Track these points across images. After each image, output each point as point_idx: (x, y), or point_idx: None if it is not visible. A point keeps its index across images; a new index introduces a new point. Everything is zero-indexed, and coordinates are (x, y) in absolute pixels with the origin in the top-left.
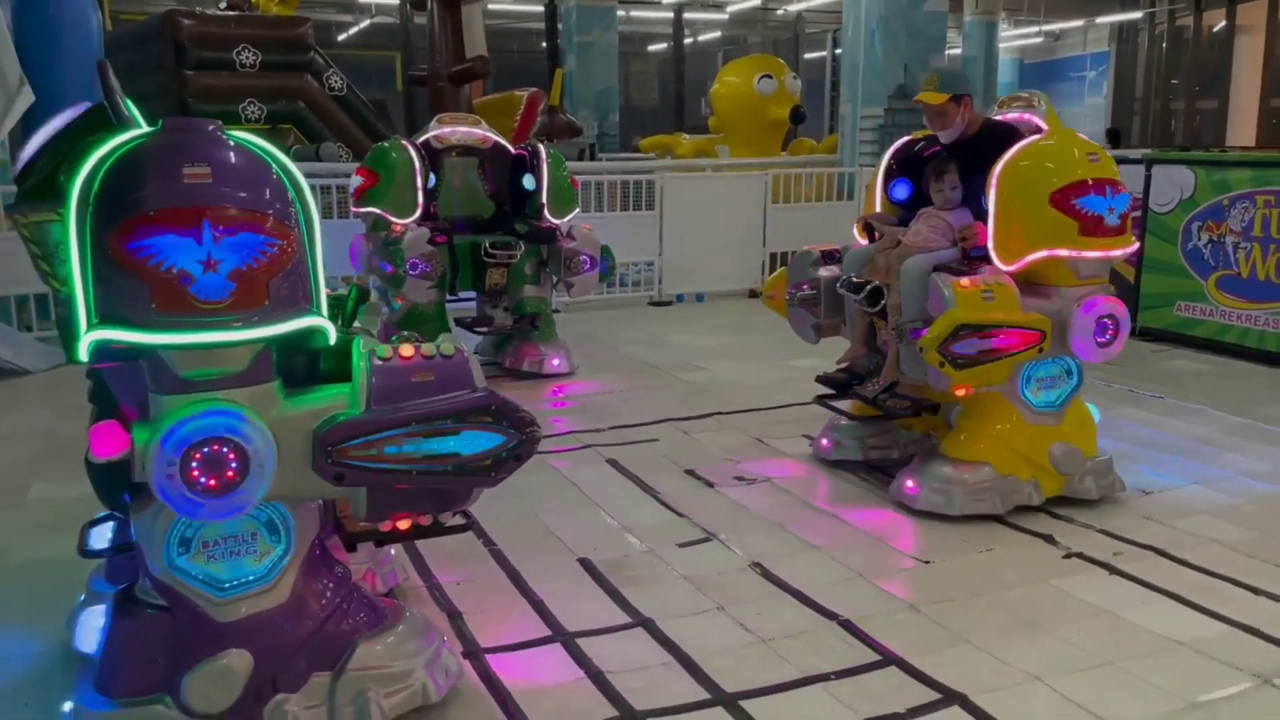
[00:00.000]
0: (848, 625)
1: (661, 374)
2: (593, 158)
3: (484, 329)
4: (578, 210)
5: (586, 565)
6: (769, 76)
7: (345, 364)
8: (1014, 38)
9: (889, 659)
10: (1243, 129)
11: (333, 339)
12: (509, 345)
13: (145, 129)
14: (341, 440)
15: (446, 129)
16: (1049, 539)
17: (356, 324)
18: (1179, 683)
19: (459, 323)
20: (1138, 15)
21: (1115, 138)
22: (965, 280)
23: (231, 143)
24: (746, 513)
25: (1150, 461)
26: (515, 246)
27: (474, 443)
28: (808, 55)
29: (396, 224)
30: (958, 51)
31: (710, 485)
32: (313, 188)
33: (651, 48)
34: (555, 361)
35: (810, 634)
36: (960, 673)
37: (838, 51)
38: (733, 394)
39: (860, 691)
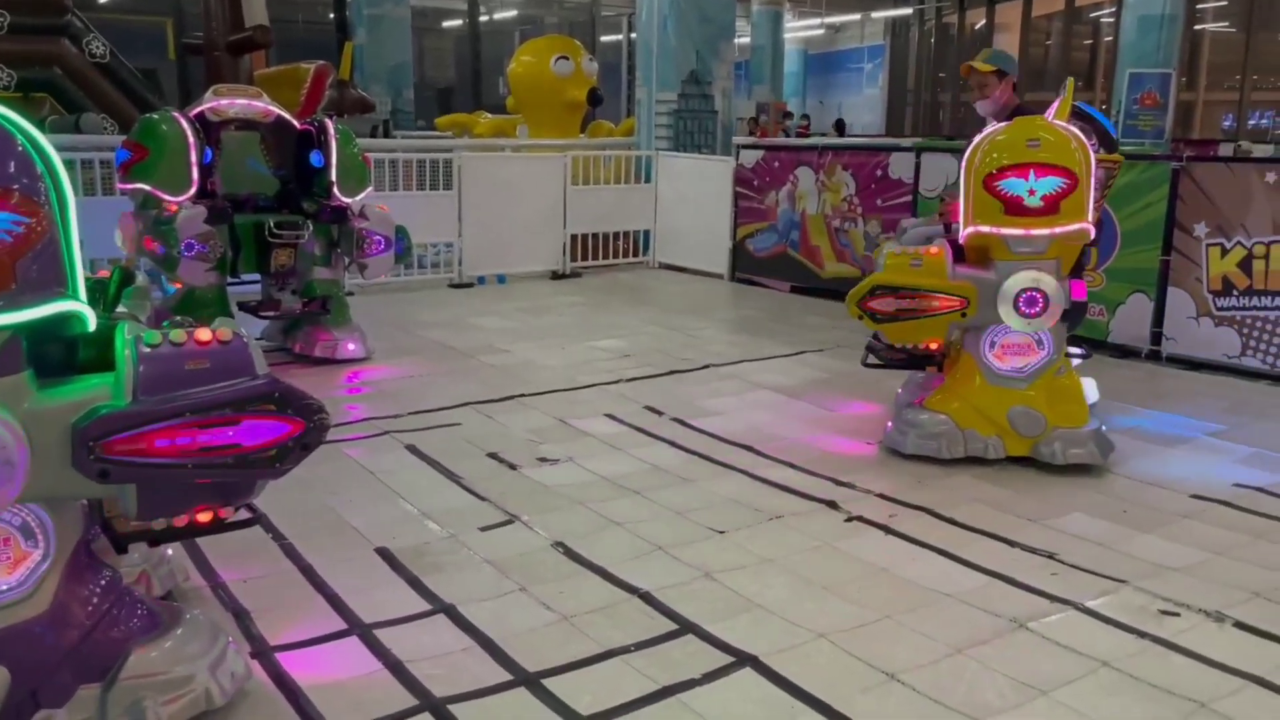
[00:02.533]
0: (647, 597)
1: (462, 357)
2: (387, 135)
3: (270, 313)
4: (370, 189)
5: (385, 554)
6: (565, 58)
7: (108, 352)
8: (799, 28)
9: (686, 627)
10: None
11: (92, 325)
12: (299, 330)
13: None
14: (104, 434)
15: (223, 101)
16: (832, 505)
17: (121, 309)
18: (947, 630)
19: (242, 307)
20: (908, 11)
21: (841, 127)
22: (899, 249)
23: None
24: (549, 493)
25: None
26: (302, 226)
27: (256, 433)
28: (604, 38)
29: (169, 201)
30: (747, 40)
31: (513, 467)
32: (71, 162)
33: (447, 24)
34: (350, 346)
35: (611, 609)
36: (752, 636)
37: (633, 35)
38: (535, 375)
39: (659, 660)
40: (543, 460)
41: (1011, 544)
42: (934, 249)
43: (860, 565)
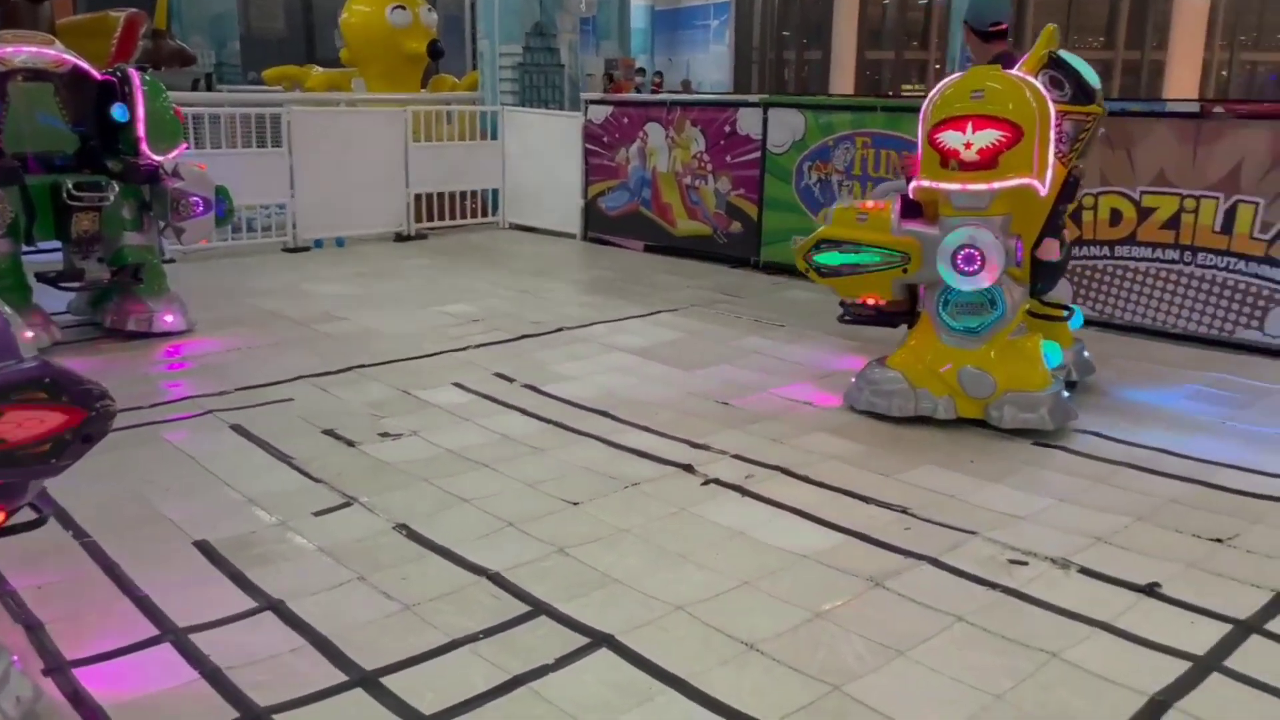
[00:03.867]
0: (497, 579)
1: (296, 327)
2: (209, 89)
3: (73, 284)
4: (185, 146)
5: (204, 548)
6: (402, 8)
7: None
8: None
9: (539, 608)
10: (843, 79)
11: None
12: (109, 302)
13: None
14: None
15: (9, 48)
16: (688, 468)
17: None
18: (805, 594)
19: (41, 278)
20: None
21: (687, 86)
22: (846, 203)
23: None
24: (391, 470)
25: (778, 385)
26: (107, 187)
27: (24, 425)
28: None
29: None
30: None
31: (351, 445)
32: None
33: None
34: (167, 318)
35: (458, 593)
36: (608, 613)
37: None
38: (377, 344)
39: (510, 647)
40: (384, 435)
41: (866, 500)
42: (879, 203)
43: (717, 530)
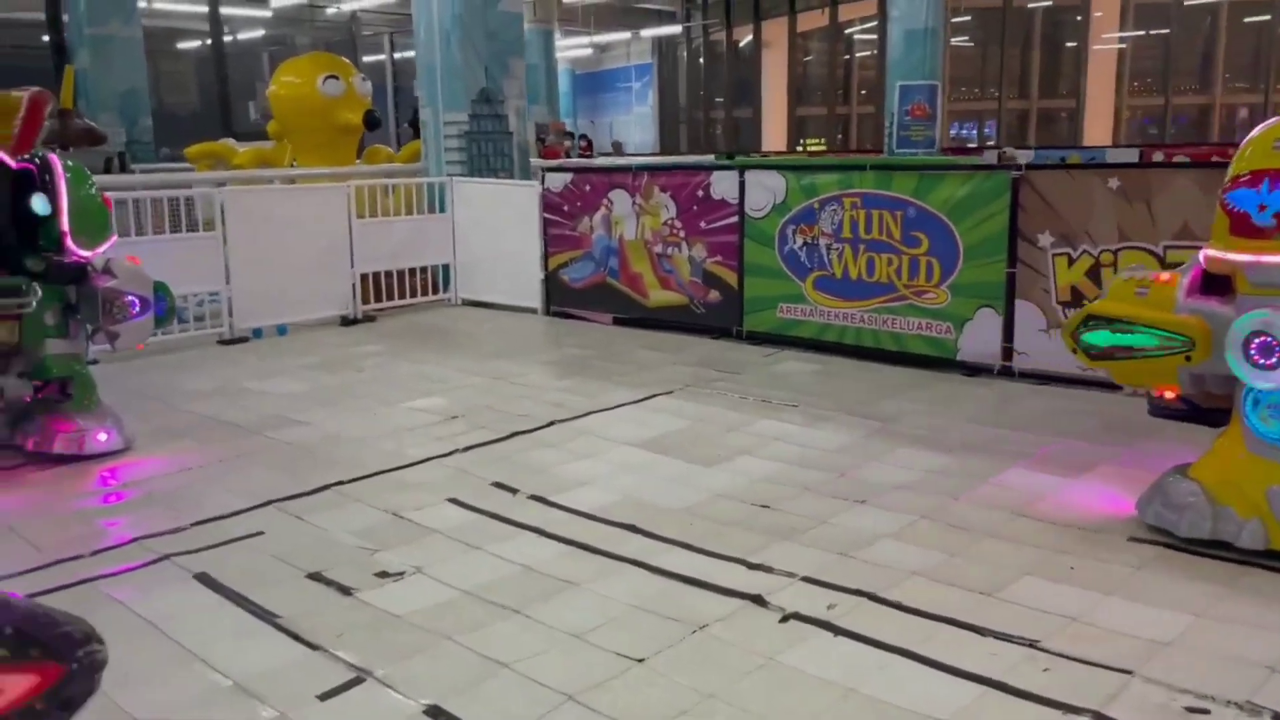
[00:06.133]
0: None
1: (248, 436)
2: (123, 169)
3: None
4: (113, 238)
5: None
6: (335, 77)
7: None
8: (567, 48)
9: None
10: (774, 135)
11: None
12: (30, 422)
13: None
14: None
15: None
16: (759, 600)
17: None
18: None
19: None
20: (676, 29)
21: (618, 148)
22: (1129, 274)
23: None
24: (403, 626)
25: (814, 480)
26: (27, 292)
27: None
28: (366, 58)
29: None
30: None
31: (346, 592)
32: None
33: (183, 44)
34: (100, 437)
35: None
36: None
37: (396, 55)
38: (347, 454)
39: None
40: (383, 576)
41: (980, 631)
42: (1166, 275)
43: (823, 688)
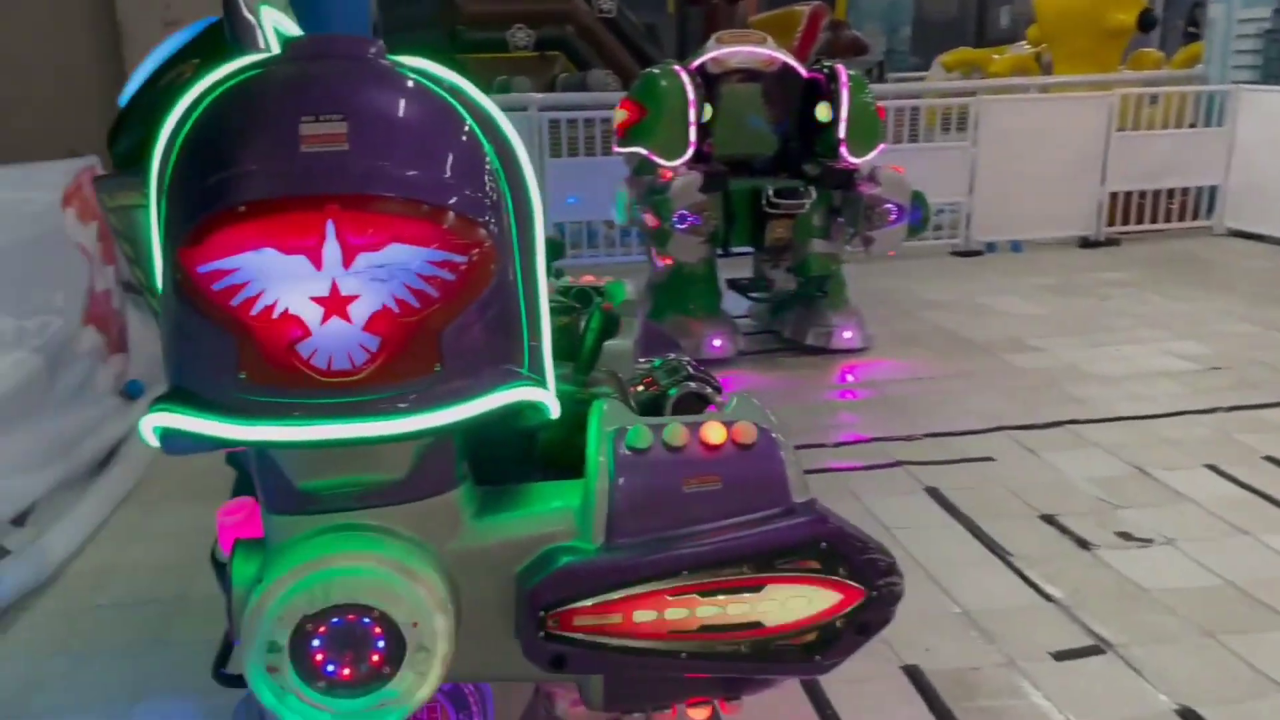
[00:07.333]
0: None
1: (981, 354)
2: (880, 78)
3: (760, 295)
4: (882, 147)
5: (914, 677)
6: None
7: (578, 436)
8: None
9: None
10: None
11: (554, 413)
12: (789, 313)
13: (263, 54)
14: (561, 600)
15: (725, 49)
16: None
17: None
18: None
19: (732, 285)
20: None
21: None
22: None
23: (397, 76)
24: (1150, 602)
25: None
26: (804, 194)
27: (789, 606)
28: None
29: (664, 167)
30: None
31: (1084, 545)
32: (573, 121)
33: None
34: (846, 334)
35: None
36: None
37: None
38: (1086, 390)
39: None
40: (1124, 537)
41: None
42: None
43: None
